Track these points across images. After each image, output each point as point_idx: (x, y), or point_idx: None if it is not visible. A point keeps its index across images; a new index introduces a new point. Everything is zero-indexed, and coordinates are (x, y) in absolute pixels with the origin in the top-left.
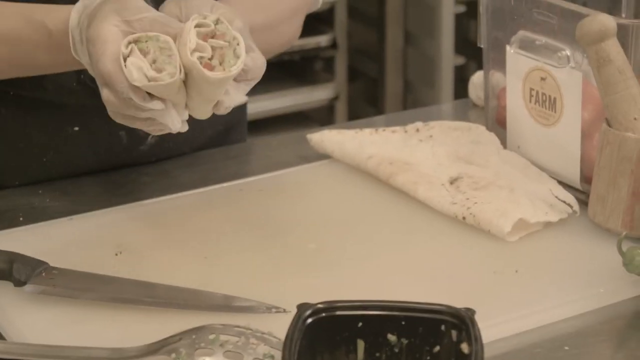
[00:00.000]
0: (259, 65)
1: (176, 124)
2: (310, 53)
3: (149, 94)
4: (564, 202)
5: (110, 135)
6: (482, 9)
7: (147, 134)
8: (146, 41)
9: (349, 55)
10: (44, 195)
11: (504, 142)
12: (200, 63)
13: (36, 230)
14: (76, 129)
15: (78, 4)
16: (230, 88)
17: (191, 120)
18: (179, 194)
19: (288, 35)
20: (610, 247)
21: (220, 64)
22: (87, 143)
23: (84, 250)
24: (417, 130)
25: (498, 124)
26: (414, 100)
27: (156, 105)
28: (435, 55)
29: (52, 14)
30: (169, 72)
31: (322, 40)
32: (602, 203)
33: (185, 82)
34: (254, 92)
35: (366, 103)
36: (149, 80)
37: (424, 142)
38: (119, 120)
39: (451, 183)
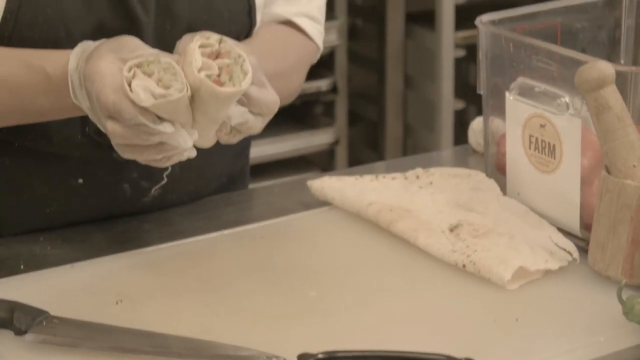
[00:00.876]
0: (272, 100)
1: (188, 142)
2: (311, 97)
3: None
4: (564, 249)
5: (114, 187)
6: (481, 55)
7: (151, 186)
8: (148, 65)
9: (349, 99)
10: (45, 243)
11: (503, 189)
12: (210, 79)
13: (37, 278)
14: (80, 181)
15: (76, 48)
16: (247, 116)
17: (195, 175)
18: (180, 242)
19: (295, 84)
20: (611, 295)
21: (230, 80)
22: (90, 195)
23: (85, 298)
24: (417, 177)
25: (498, 171)
26: (414, 144)
27: (167, 127)
28: (435, 99)
29: (51, 58)
30: (177, 88)
31: (323, 84)
32: (602, 251)
33: (190, 103)
34: (254, 136)
35: (366, 147)
36: (157, 99)
37: (424, 188)
38: (127, 154)
39: (451, 230)
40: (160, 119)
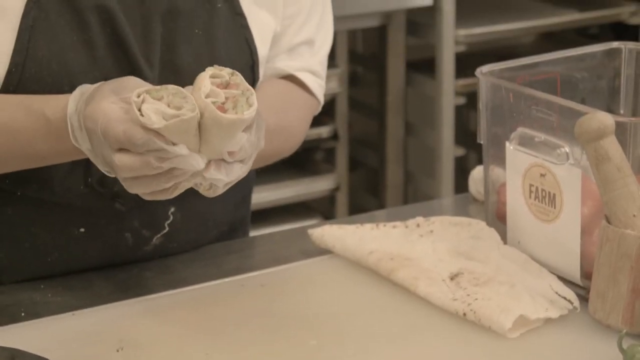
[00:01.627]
0: (253, 146)
1: (200, 163)
2: (312, 144)
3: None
4: (565, 298)
5: (115, 237)
6: (481, 105)
7: (152, 235)
8: (157, 91)
9: (350, 145)
10: (45, 290)
11: (504, 238)
12: (214, 105)
13: (38, 326)
14: (82, 230)
15: (75, 92)
16: (222, 169)
17: (196, 223)
18: (181, 290)
19: (296, 139)
20: (611, 344)
21: (233, 108)
22: (92, 244)
23: (86, 346)
24: (418, 225)
25: (498, 219)
26: (415, 191)
27: (182, 149)
28: (436, 146)
29: (51, 102)
30: (188, 108)
31: (324, 131)
32: (602, 299)
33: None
34: (255, 182)
35: (367, 193)
36: (168, 120)
37: (425, 237)
38: (134, 188)
39: (452, 279)
40: (173, 143)
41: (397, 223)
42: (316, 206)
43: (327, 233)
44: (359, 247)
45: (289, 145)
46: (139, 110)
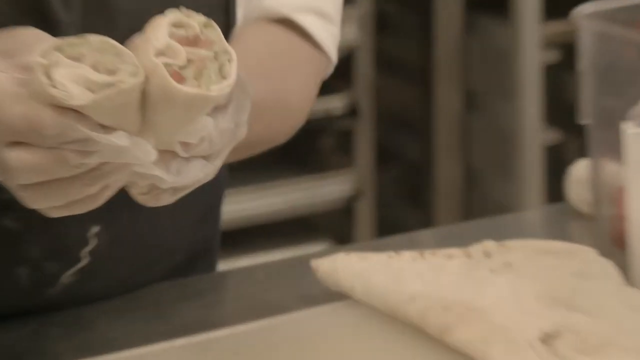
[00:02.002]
0: (226, 136)
1: (151, 153)
2: (319, 124)
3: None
4: None
5: (3, 273)
6: (583, 66)
7: (61, 270)
8: (73, 46)
9: (377, 127)
10: None
11: (626, 274)
12: (167, 71)
13: None
14: None
15: None
16: (171, 165)
17: (131, 251)
18: (105, 357)
19: (295, 116)
20: None
21: (196, 78)
22: None
23: None
24: (488, 255)
25: (616, 245)
26: (480, 198)
27: (120, 137)
28: (513, 127)
29: None
30: (128, 71)
31: (336, 104)
32: None
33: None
34: (227, 187)
35: (404, 202)
36: (98, 92)
37: (499, 274)
38: (38, 201)
39: (544, 341)
40: (103, 127)
41: (455, 251)
42: (324, 223)
43: (341, 266)
44: (394, 289)
45: (287, 125)
46: (49, 78)
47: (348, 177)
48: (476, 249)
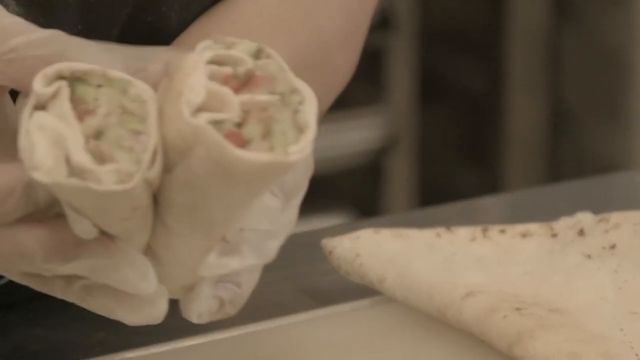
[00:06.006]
0: (288, 223)
1: (148, 280)
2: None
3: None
4: None
5: None
6: None
7: None
8: (97, 85)
9: (420, 44)
10: None
11: None
12: (219, 132)
13: None
14: None
15: None
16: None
17: None
18: None
19: (346, 68)
20: None
21: (264, 138)
22: None
23: None
24: (581, 232)
25: None
26: (572, 150)
27: (84, 228)
28: (622, 46)
29: None
30: (118, 168)
31: None
32: None
33: (160, 191)
34: None
35: (457, 157)
36: (68, 176)
37: (597, 259)
38: (8, 275)
39: None
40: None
41: (533, 227)
42: (343, 185)
43: (365, 248)
44: (442, 280)
45: (335, 87)
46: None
47: (377, 118)
48: (564, 224)
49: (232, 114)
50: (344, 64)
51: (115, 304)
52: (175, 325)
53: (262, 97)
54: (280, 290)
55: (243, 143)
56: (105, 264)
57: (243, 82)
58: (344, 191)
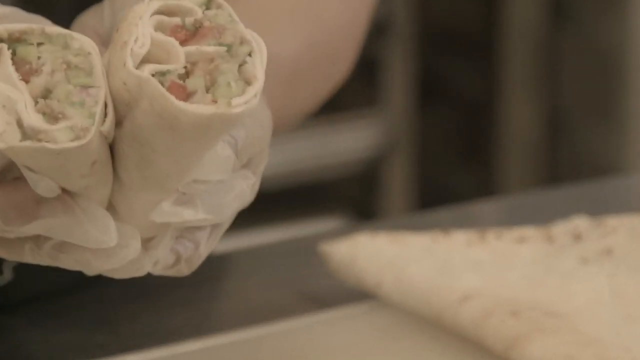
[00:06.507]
0: (249, 187)
1: (110, 233)
2: None
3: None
4: None
5: None
6: None
7: None
8: (38, 44)
9: (418, 47)
10: None
11: None
12: (162, 84)
13: None
14: None
15: None
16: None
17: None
18: None
19: (347, 60)
20: None
21: (208, 90)
22: None
23: None
24: (578, 236)
25: None
26: (569, 153)
27: (45, 187)
28: (619, 48)
29: None
30: (72, 125)
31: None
32: None
33: (113, 144)
34: None
35: (455, 160)
36: (25, 139)
37: (593, 264)
38: None
39: None
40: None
41: (529, 231)
42: (340, 187)
43: (364, 252)
44: (439, 284)
45: (335, 78)
46: None
47: (375, 122)
48: (561, 228)
49: (177, 65)
50: (347, 56)
51: (90, 255)
52: (174, 329)
53: (208, 48)
54: (278, 294)
55: (187, 95)
56: (67, 221)
57: (192, 33)
58: (341, 194)
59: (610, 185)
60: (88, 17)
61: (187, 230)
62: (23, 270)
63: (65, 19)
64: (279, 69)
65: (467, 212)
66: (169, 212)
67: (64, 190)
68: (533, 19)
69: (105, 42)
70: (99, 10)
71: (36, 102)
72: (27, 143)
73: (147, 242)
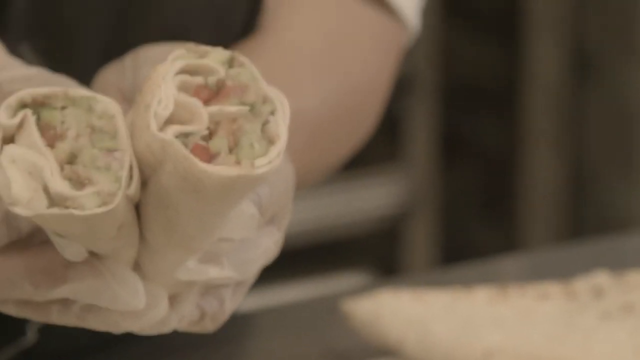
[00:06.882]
0: (274, 243)
1: (138, 295)
2: None
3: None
4: None
5: None
6: None
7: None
8: (62, 107)
9: (440, 103)
10: None
11: None
12: (186, 146)
13: None
14: None
15: None
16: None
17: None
18: None
19: (370, 118)
20: None
21: (231, 151)
22: None
23: None
24: (599, 292)
25: None
26: (592, 209)
27: (73, 251)
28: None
29: None
30: (98, 190)
31: None
32: None
33: (138, 205)
34: None
35: (477, 216)
36: (52, 205)
37: (615, 320)
38: (5, 308)
39: None
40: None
41: (551, 287)
42: (363, 244)
43: (386, 310)
44: (462, 342)
45: (360, 135)
46: None
47: (398, 177)
48: (583, 284)
49: (200, 126)
50: (372, 112)
51: (118, 316)
52: None
53: (231, 108)
54: (302, 352)
55: (210, 157)
56: (95, 284)
57: (214, 92)
58: (364, 250)
59: (634, 240)
60: (109, 72)
61: (212, 287)
62: (47, 331)
63: (88, 72)
64: (301, 123)
65: (490, 268)
66: (194, 270)
67: (91, 253)
68: (556, 73)
69: (127, 97)
70: (120, 65)
71: (62, 168)
72: (55, 210)
73: (172, 299)
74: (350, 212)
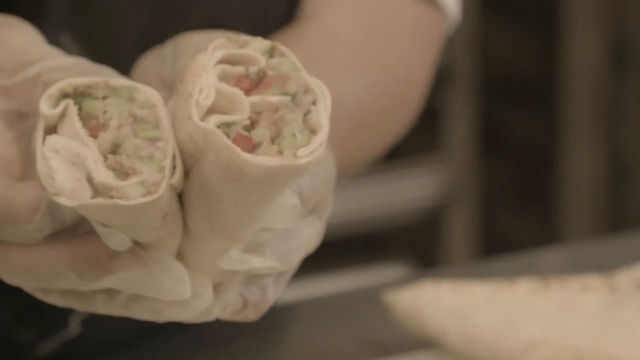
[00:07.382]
0: (315, 234)
1: (184, 284)
2: None
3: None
4: None
5: None
6: None
7: (39, 339)
8: (103, 97)
9: (479, 97)
10: None
11: None
12: (228, 136)
13: None
14: None
15: None
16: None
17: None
18: None
19: (410, 109)
20: None
21: (273, 141)
22: None
23: None
24: None
25: None
26: (632, 202)
27: (118, 241)
28: None
29: None
30: (142, 180)
31: None
32: None
33: (181, 194)
34: None
35: (516, 209)
36: (96, 195)
37: None
38: (49, 298)
39: None
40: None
41: (593, 280)
42: (403, 236)
43: (428, 301)
44: (503, 334)
45: (400, 125)
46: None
47: (437, 169)
48: (624, 277)
49: (242, 116)
50: (412, 103)
51: (163, 305)
52: None
53: (272, 98)
54: (342, 342)
55: (253, 146)
56: (141, 274)
57: (256, 82)
58: (403, 242)
59: None
60: (149, 60)
61: (254, 276)
62: (90, 322)
63: (127, 61)
64: (342, 114)
65: (530, 260)
66: (237, 259)
67: (136, 242)
68: (594, 65)
69: (167, 85)
70: (160, 53)
71: (105, 158)
72: (99, 200)
73: (216, 288)
74: (389, 204)
